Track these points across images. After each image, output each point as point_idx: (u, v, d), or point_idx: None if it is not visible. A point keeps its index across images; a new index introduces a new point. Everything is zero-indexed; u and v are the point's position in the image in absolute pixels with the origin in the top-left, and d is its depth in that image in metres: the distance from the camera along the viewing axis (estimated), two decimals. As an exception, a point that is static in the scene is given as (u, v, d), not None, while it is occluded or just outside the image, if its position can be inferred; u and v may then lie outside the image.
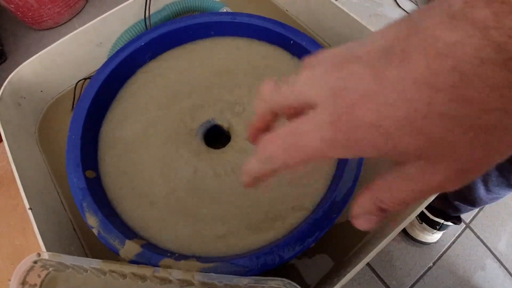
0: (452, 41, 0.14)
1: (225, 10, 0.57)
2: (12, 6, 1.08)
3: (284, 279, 0.30)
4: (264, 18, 0.49)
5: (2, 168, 0.61)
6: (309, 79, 0.19)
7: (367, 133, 0.16)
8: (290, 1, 0.64)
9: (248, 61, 0.49)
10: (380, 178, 0.19)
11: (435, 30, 0.14)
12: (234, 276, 0.31)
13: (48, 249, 0.39)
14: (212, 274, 0.31)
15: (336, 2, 0.54)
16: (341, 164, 0.40)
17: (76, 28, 0.53)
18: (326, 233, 0.35)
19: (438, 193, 0.18)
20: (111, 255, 0.45)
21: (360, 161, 0.39)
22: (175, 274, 0.32)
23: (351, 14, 0.53)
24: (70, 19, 1.22)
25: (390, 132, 0.16)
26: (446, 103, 0.14)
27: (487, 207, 0.99)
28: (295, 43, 0.47)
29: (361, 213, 0.20)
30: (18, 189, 0.53)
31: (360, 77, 0.16)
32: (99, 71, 0.46)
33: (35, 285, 0.36)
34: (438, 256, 0.91)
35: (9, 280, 0.49)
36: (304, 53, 0.47)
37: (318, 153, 0.18)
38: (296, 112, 0.20)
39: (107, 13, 0.54)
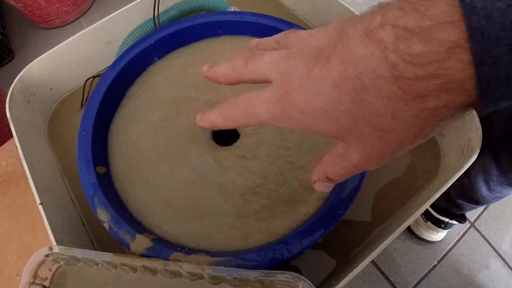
0: (360, 56, 0.18)
1: (232, 10, 0.58)
2: (21, 5, 1.09)
3: (292, 272, 0.31)
4: (271, 17, 0.49)
5: (11, 164, 0.62)
6: (270, 62, 0.23)
7: (298, 114, 0.21)
8: (296, 0, 0.64)
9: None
10: (326, 155, 0.24)
11: (351, 42, 0.18)
12: (243, 269, 0.31)
13: (58, 244, 0.40)
14: (222, 267, 0.32)
15: (342, 2, 0.55)
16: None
17: (83, 27, 0.54)
18: (331, 231, 0.36)
19: (366, 169, 0.23)
20: (120, 250, 0.46)
21: (363, 171, 0.39)
22: (186, 267, 0.32)
23: (358, 13, 0.53)
24: (77, 18, 1.22)
25: (312, 116, 0.20)
26: (350, 102, 0.19)
27: (491, 207, 0.99)
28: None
29: (316, 180, 0.25)
30: (27, 185, 0.54)
31: (299, 70, 0.21)
32: (109, 69, 0.46)
33: (46, 278, 0.37)
34: (442, 254, 0.91)
35: (18, 275, 0.50)
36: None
37: (265, 121, 0.23)
38: (255, 82, 0.26)
39: (115, 13, 0.55)
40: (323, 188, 0.26)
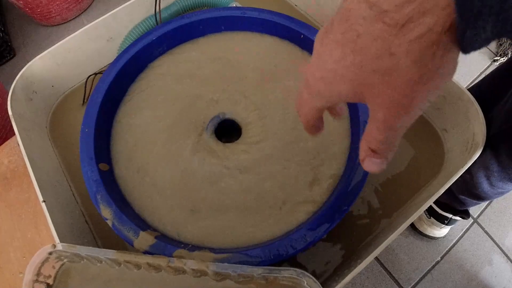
0: (349, 9, 0.20)
1: (234, 5, 0.58)
2: (21, 2, 1.09)
3: (297, 269, 0.30)
4: (273, 13, 0.49)
5: (13, 162, 0.62)
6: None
7: (321, 84, 0.23)
8: (298, -5, 0.64)
9: (258, 56, 0.49)
10: (366, 131, 0.24)
11: (344, 4, 0.20)
12: (247, 266, 0.31)
13: (61, 241, 0.40)
14: (226, 264, 0.31)
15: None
16: (351, 158, 0.40)
17: (84, 24, 0.54)
18: (335, 227, 0.36)
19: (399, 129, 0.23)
20: (123, 247, 0.46)
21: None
22: (190, 264, 0.32)
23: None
24: (78, 15, 1.22)
25: (331, 81, 0.22)
26: (351, 54, 0.20)
27: (494, 203, 0.99)
28: (305, 37, 0.47)
29: (363, 157, 0.25)
30: (29, 182, 0.54)
31: (316, 46, 0.23)
32: (111, 65, 0.46)
33: (50, 276, 0.37)
34: (445, 250, 0.91)
35: (21, 273, 0.50)
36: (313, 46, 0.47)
37: (308, 101, 0.25)
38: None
39: (117, 9, 0.55)
40: (371, 166, 0.25)
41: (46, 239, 0.51)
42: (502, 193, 0.61)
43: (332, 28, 0.21)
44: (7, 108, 0.49)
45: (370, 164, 0.24)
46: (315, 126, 0.29)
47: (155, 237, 0.36)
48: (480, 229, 0.95)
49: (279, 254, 0.34)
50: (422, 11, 0.17)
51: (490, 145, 0.43)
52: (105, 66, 0.60)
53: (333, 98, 0.23)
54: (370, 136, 0.23)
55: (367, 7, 0.19)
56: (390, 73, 0.19)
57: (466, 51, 0.18)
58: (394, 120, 0.21)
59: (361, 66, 0.20)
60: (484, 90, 0.60)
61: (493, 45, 1.25)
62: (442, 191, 0.42)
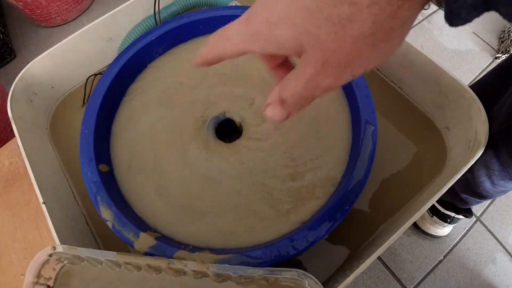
0: None
1: (233, 4, 0.57)
2: (21, 3, 1.09)
3: (298, 270, 0.30)
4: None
5: (14, 164, 0.62)
6: None
7: (263, 26, 0.20)
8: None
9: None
10: (286, 77, 0.22)
11: None
12: (248, 267, 0.31)
13: (62, 243, 0.40)
14: (226, 265, 0.31)
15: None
16: (353, 157, 0.40)
17: (84, 25, 0.54)
18: (337, 226, 0.35)
19: (324, 93, 0.22)
20: (124, 248, 0.46)
21: (371, 157, 0.39)
22: (190, 265, 0.32)
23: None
24: (78, 16, 1.22)
25: (274, 23, 0.20)
26: None
27: (497, 201, 0.98)
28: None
29: (268, 102, 0.23)
30: (30, 184, 0.54)
31: None
32: (111, 66, 0.46)
33: (50, 278, 0.37)
34: (448, 249, 0.91)
35: (23, 274, 0.50)
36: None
37: (238, 43, 0.22)
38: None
39: (116, 9, 0.55)
40: (271, 113, 0.23)
41: (48, 240, 0.51)
42: (504, 192, 0.61)
43: None
44: (7, 110, 0.49)
45: (271, 112, 0.23)
46: (218, 61, 0.25)
47: (156, 238, 0.36)
48: (483, 228, 0.95)
49: (280, 255, 0.33)
50: None
51: (491, 144, 0.43)
52: (105, 67, 0.60)
53: (269, 43, 0.21)
54: (287, 85, 0.22)
55: None
56: (343, 24, 0.18)
57: (454, 21, 0.17)
58: (322, 79, 0.20)
59: (314, 11, 0.18)
60: (485, 88, 0.60)
61: (495, 42, 1.25)
62: (444, 189, 0.41)
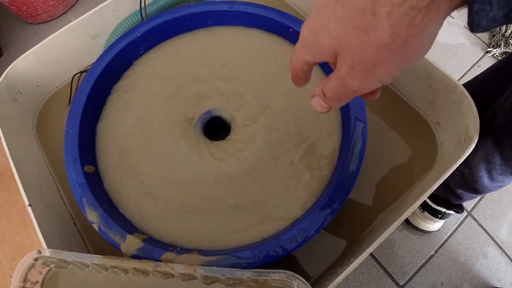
0: None
1: (221, -1, 0.56)
2: (7, 0, 1.06)
3: (286, 271, 0.30)
4: (261, 6, 0.48)
5: (1, 164, 0.61)
6: None
7: (309, 35, 0.25)
8: (288, -12, 0.63)
9: (246, 51, 0.48)
10: (329, 75, 0.26)
11: None
12: (236, 269, 0.30)
13: (49, 245, 0.39)
14: (214, 267, 0.31)
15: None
16: (343, 155, 0.40)
17: (71, 21, 0.52)
18: (327, 225, 0.35)
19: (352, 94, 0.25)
20: (113, 249, 0.45)
21: (361, 154, 0.39)
22: (178, 268, 0.31)
23: None
24: (65, 12, 1.19)
25: (317, 31, 0.24)
26: (340, 8, 0.21)
27: (488, 195, 0.99)
28: (294, 31, 0.46)
29: (315, 94, 0.27)
30: (18, 185, 0.53)
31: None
32: (95, 64, 0.45)
33: (37, 282, 0.36)
34: (440, 244, 0.91)
35: (11, 276, 0.49)
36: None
37: (300, 47, 0.26)
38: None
39: (102, 4, 0.53)
40: (316, 104, 0.27)
41: (36, 242, 0.51)
42: (500, 187, 0.61)
43: None
44: (-8, 110, 0.48)
45: (315, 102, 0.28)
46: (300, 77, 0.29)
47: (143, 240, 0.35)
48: (474, 222, 0.95)
49: (269, 255, 0.33)
50: None
51: (494, 138, 0.42)
52: (91, 64, 0.58)
53: (314, 49, 0.25)
54: (328, 81, 0.25)
55: None
56: (367, 32, 0.21)
57: (475, 28, 0.19)
58: (351, 80, 0.23)
59: (346, 20, 0.21)
60: (486, 83, 0.60)
61: (486, 36, 1.25)
62: (436, 186, 0.41)
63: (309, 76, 0.29)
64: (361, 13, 0.21)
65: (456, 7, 0.20)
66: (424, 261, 0.89)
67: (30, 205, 0.41)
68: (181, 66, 0.47)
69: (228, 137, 0.43)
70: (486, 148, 0.48)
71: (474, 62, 1.19)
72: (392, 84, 0.55)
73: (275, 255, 0.33)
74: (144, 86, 0.46)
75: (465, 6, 0.19)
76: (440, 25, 0.21)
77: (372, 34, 0.21)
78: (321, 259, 0.44)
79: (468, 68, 1.17)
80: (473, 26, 0.19)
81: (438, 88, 0.49)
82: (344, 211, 0.46)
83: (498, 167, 0.54)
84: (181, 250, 0.35)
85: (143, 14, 0.54)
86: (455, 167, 0.42)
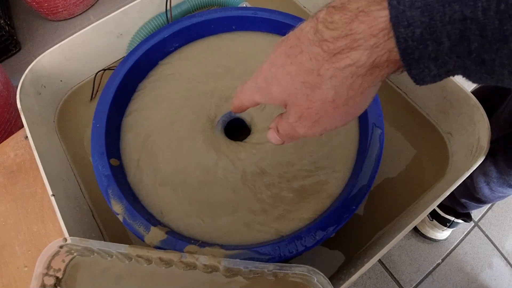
0: (303, 30, 0.23)
1: (244, 5, 0.58)
2: (28, -4, 1.09)
3: (307, 266, 0.31)
4: (284, 14, 0.49)
5: (19, 156, 0.62)
6: None
7: (263, 83, 0.27)
8: (307, -4, 0.64)
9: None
10: (282, 114, 0.28)
11: (303, 24, 0.24)
12: (259, 262, 0.31)
13: (70, 235, 0.40)
14: (237, 260, 0.32)
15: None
16: (360, 158, 0.41)
17: (91, 20, 0.54)
18: (341, 229, 0.36)
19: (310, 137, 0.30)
20: (130, 242, 0.46)
21: (378, 159, 0.40)
22: (202, 259, 0.32)
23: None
24: (85, 11, 1.22)
25: (270, 82, 0.26)
26: (290, 65, 0.24)
27: (495, 207, 0.99)
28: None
29: (271, 127, 0.30)
30: (36, 176, 0.54)
31: (273, 47, 0.27)
32: (123, 62, 0.46)
33: (59, 269, 0.37)
34: (446, 253, 0.92)
35: (26, 266, 0.50)
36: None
37: (248, 96, 0.30)
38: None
39: (128, 5, 0.55)
40: (271, 136, 0.30)
41: (53, 233, 0.52)
42: (503, 197, 0.62)
43: (287, 40, 0.25)
44: (12, 102, 0.49)
45: (271, 135, 0.30)
46: (243, 109, 0.32)
47: (166, 233, 0.36)
48: (481, 233, 0.96)
49: (289, 251, 0.34)
50: (351, 47, 0.20)
51: (489, 152, 0.44)
52: (114, 62, 0.60)
53: (267, 96, 0.27)
54: (280, 121, 0.29)
55: (313, 32, 0.22)
56: (313, 89, 0.23)
57: (419, 83, 0.21)
58: (299, 128, 0.26)
59: (294, 76, 0.24)
60: (486, 95, 0.61)
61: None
62: (446, 194, 0.42)
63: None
64: (308, 72, 0.23)
65: (394, 72, 0.21)
66: (430, 269, 0.89)
67: (53, 195, 0.43)
68: (205, 68, 0.49)
69: (248, 138, 0.45)
70: (483, 162, 0.50)
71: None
72: (406, 94, 0.56)
73: (294, 252, 0.34)
74: (168, 86, 0.48)
75: (403, 70, 0.21)
76: (377, 87, 0.23)
77: (317, 92, 0.23)
78: (328, 263, 0.45)
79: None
80: (419, 82, 0.20)
81: (452, 99, 0.50)
82: (353, 217, 0.47)
83: (495, 180, 0.55)
84: (203, 243, 0.36)
85: (169, 16, 0.55)
86: (466, 176, 0.43)
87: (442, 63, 0.19)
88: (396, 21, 0.18)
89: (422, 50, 0.18)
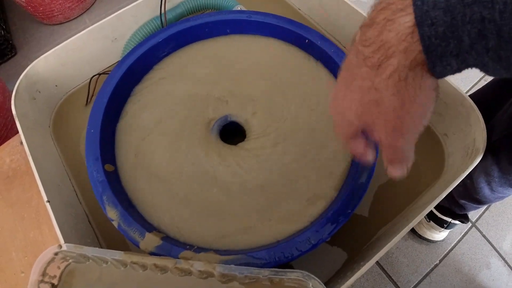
0: (349, 59, 0.26)
1: (239, 8, 0.58)
2: (23, 0, 1.08)
3: (303, 271, 0.31)
4: (279, 17, 0.49)
5: (15, 161, 0.62)
6: None
7: (337, 116, 0.29)
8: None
9: (263, 59, 0.49)
10: (371, 146, 0.30)
11: (349, 56, 0.26)
12: (254, 267, 0.31)
13: (66, 241, 0.40)
14: (232, 265, 0.32)
15: (347, 1, 0.55)
16: (355, 164, 0.41)
17: (86, 24, 0.54)
18: (337, 231, 0.36)
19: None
20: (126, 248, 0.46)
21: (372, 166, 0.40)
22: (197, 265, 0.32)
23: (362, 11, 0.53)
24: (80, 15, 1.21)
25: (342, 113, 0.28)
26: (350, 92, 0.26)
27: (493, 207, 1.00)
28: (310, 42, 0.48)
29: (385, 166, 0.30)
30: (31, 182, 0.54)
31: (334, 87, 0.29)
32: (117, 66, 0.46)
33: (55, 276, 0.37)
34: (444, 254, 0.92)
35: (22, 272, 0.50)
36: (318, 51, 0.48)
37: (337, 126, 0.30)
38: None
39: (122, 9, 0.55)
40: (392, 172, 0.29)
41: (49, 239, 0.51)
42: (502, 198, 0.62)
43: (341, 75, 0.27)
44: (8, 107, 0.49)
45: (391, 171, 0.29)
46: (352, 137, 0.31)
47: (161, 239, 0.36)
48: (478, 233, 0.96)
49: (284, 256, 0.34)
50: (388, 56, 0.22)
51: (491, 151, 0.44)
52: (109, 67, 0.60)
53: (348, 125, 0.28)
54: (383, 152, 0.28)
55: (355, 54, 0.24)
56: (379, 104, 0.24)
57: (441, 77, 0.22)
58: (393, 140, 0.26)
59: (359, 99, 0.26)
60: (488, 96, 0.61)
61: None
62: (443, 196, 0.42)
63: (359, 133, 0.31)
64: (368, 91, 0.24)
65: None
66: (428, 270, 0.90)
67: (48, 201, 0.42)
68: (199, 72, 0.49)
69: (243, 142, 0.45)
70: (485, 161, 0.50)
71: (481, 76, 1.20)
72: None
73: (289, 256, 0.34)
74: (163, 89, 0.48)
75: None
76: (432, 85, 0.24)
77: (383, 105, 0.24)
78: (326, 267, 0.45)
79: (475, 82, 1.19)
80: (440, 76, 0.22)
81: (447, 100, 0.50)
82: (351, 220, 0.47)
83: (497, 180, 0.55)
84: (198, 249, 0.36)
85: (163, 20, 0.55)
86: (463, 177, 0.43)
87: (463, 59, 0.20)
88: (420, 20, 0.20)
89: (444, 47, 0.20)
